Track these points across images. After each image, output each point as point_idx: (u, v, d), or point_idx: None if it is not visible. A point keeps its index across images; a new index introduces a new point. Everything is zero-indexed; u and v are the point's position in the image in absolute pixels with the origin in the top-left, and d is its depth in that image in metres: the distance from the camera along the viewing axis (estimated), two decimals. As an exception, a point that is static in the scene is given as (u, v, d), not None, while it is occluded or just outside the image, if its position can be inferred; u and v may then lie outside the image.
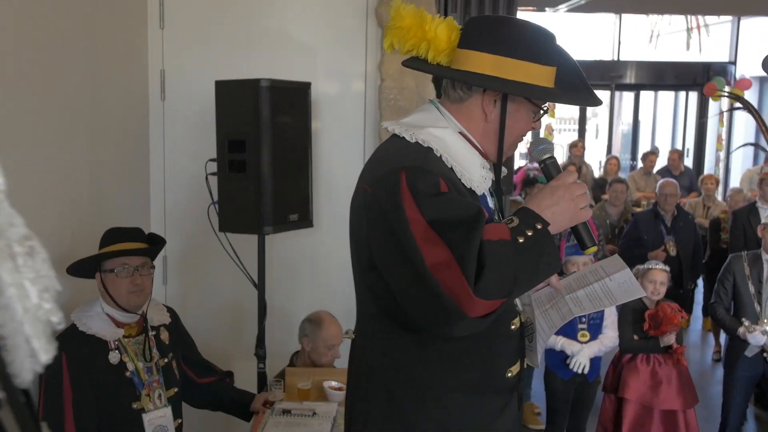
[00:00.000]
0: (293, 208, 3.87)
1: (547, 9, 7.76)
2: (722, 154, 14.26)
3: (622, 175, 10.82)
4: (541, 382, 5.03)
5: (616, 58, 13.13)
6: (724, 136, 14.15)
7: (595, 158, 13.80)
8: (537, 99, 1.92)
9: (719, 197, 9.15)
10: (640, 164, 10.87)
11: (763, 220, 4.97)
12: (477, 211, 1.69)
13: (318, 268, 4.65)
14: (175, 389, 3.09)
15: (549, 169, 1.94)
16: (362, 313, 2.00)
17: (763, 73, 15.48)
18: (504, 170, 2.05)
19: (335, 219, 4.51)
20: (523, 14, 7.46)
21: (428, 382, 1.89)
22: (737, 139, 14.99)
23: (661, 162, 11.05)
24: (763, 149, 9.09)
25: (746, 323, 4.66)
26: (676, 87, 13.84)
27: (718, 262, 6.64)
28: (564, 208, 1.80)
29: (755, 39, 14.42)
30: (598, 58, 13.17)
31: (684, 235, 6.60)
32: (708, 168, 13.92)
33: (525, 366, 2.10)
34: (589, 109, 13.66)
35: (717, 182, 8.44)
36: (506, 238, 1.68)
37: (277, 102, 3.71)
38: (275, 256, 4.48)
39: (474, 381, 1.92)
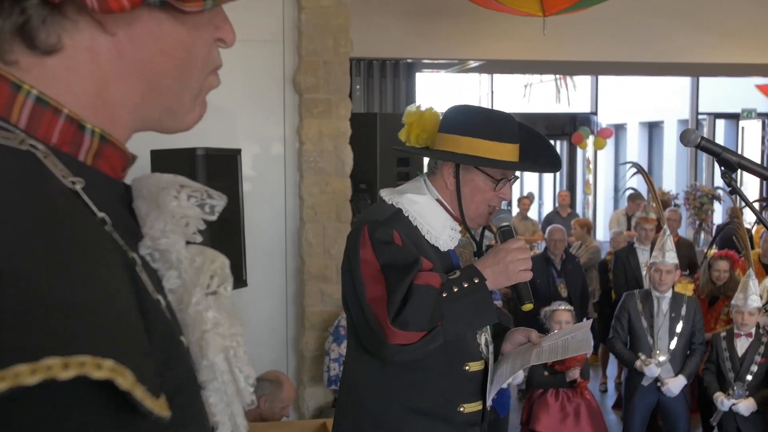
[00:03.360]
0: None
1: (437, 71, 8.24)
2: (590, 198, 15.27)
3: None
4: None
5: (491, 111, 13.88)
6: (591, 181, 15.17)
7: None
8: (476, 165, 2.26)
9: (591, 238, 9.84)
10: (516, 209, 11.48)
11: (650, 260, 5.47)
12: (414, 260, 2.11)
13: (251, 326, 4.76)
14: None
15: (504, 235, 2.27)
16: (348, 340, 2.40)
17: (618, 121, 16.73)
18: (488, 236, 2.44)
19: (264, 278, 4.66)
20: (421, 76, 7.91)
21: (387, 405, 2.25)
22: (600, 184, 16.11)
23: (533, 206, 11.69)
24: (638, 193, 9.86)
25: (642, 357, 5.11)
26: (546, 137, 14.75)
27: (608, 300, 7.20)
28: (502, 268, 2.15)
29: (611, 91, 15.63)
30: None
31: (573, 278, 7.11)
32: (578, 211, 14.83)
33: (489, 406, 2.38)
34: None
35: (588, 225, 9.10)
36: (433, 284, 2.09)
37: (210, 169, 3.87)
38: (206, 318, 4.56)
39: (425, 409, 2.25)
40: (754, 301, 4.96)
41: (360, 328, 2.18)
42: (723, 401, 4.75)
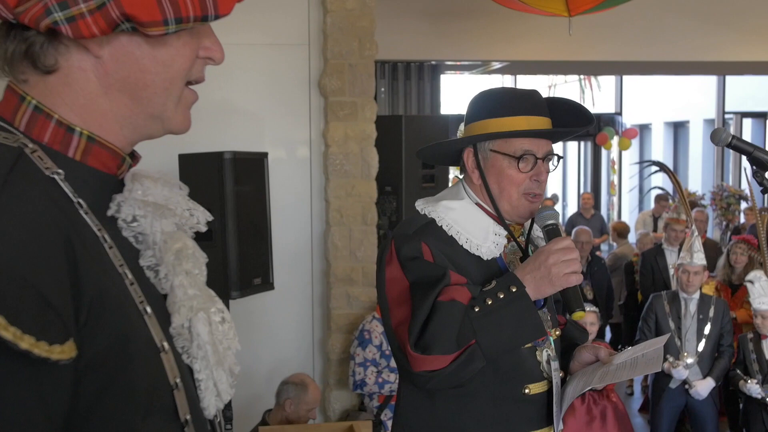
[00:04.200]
0: (256, 273, 4.04)
1: (461, 72, 8.24)
2: (615, 199, 15.16)
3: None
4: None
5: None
6: (616, 182, 15.07)
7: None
8: (482, 141, 2.03)
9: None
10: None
11: (677, 261, 5.43)
12: (441, 275, 1.88)
13: (278, 328, 4.79)
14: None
15: (549, 235, 1.99)
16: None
17: (643, 122, 16.61)
18: (536, 235, 2.15)
19: (291, 281, 4.68)
20: (445, 78, 7.92)
21: None
22: (625, 185, 16.00)
23: (557, 207, 11.66)
24: (667, 193, 9.80)
25: (670, 359, 5.07)
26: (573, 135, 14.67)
27: (634, 302, 7.15)
28: (544, 272, 1.86)
29: (636, 91, 15.53)
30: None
31: (598, 279, 7.08)
32: (603, 212, 14.75)
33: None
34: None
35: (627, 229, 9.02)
36: (458, 300, 1.83)
37: (238, 172, 3.90)
38: (236, 319, 4.60)
39: None
40: (700, 260, 5.04)
41: (394, 355, 1.99)
42: (750, 387, 4.69)
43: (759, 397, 4.70)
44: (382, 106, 6.48)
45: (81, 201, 0.94)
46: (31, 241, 0.84)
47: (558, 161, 2.10)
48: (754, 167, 2.05)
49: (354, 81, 4.76)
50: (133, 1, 0.90)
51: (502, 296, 1.84)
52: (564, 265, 1.86)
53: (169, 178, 1.09)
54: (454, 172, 13.31)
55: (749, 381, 4.70)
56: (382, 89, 6.51)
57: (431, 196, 2.15)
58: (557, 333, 2.14)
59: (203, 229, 1.12)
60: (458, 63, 7.47)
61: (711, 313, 5.15)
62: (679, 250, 5.64)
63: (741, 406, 4.91)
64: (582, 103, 2.19)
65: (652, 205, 10.47)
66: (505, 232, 2.06)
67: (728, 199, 11.60)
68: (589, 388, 2.01)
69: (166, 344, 0.99)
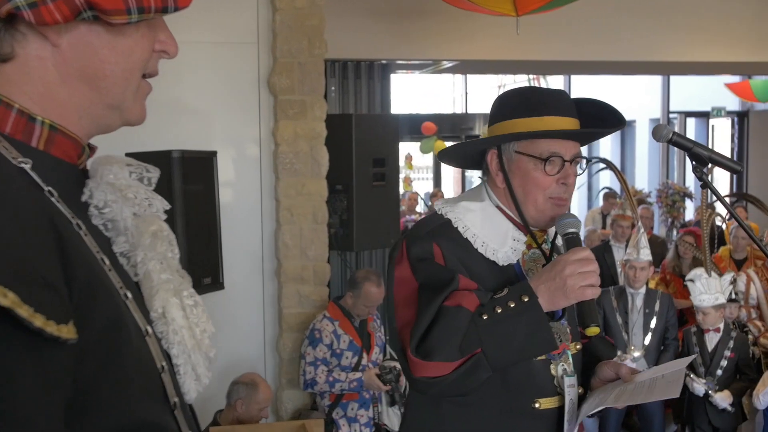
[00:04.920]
0: (206, 272, 4.01)
1: (415, 72, 8.27)
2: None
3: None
4: None
5: (465, 111, 14.00)
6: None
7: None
8: (506, 142, 1.94)
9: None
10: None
11: (624, 257, 5.54)
12: (449, 278, 1.80)
13: (229, 328, 4.75)
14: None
15: (569, 243, 1.89)
16: None
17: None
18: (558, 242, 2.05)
19: (242, 280, 4.66)
20: (396, 77, 7.94)
21: None
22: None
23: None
24: (615, 193, 9.96)
25: (618, 353, 5.16)
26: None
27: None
28: (559, 284, 1.75)
29: (583, 91, 15.76)
30: (450, 112, 14.02)
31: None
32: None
33: None
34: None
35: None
36: (464, 306, 1.75)
37: (187, 171, 3.86)
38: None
39: None
40: (646, 255, 5.17)
41: (396, 356, 1.98)
42: (696, 386, 4.80)
43: (702, 394, 4.81)
44: (333, 105, 6.47)
45: (51, 189, 0.93)
46: (24, 224, 0.84)
47: (586, 164, 2.02)
48: (694, 162, 2.10)
49: (304, 79, 4.75)
50: None
51: (512, 305, 1.74)
52: (580, 278, 1.76)
53: (137, 164, 1.09)
54: (405, 172, 13.37)
55: (694, 379, 4.80)
56: (333, 88, 6.50)
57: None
58: (577, 347, 2.02)
59: (162, 218, 1.10)
60: (409, 62, 7.49)
61: (657, 308, 5.26)
62: (626, 247, 5.75)
63: (686, 400, 5.02)
64: (611, 104, 2.10)
65: (601, 203, 10.63)
66: (524, 238, 1.97)
67: (673, 196, 11.86)
68: (603, 407, 1.90)
69: (149, 328, 1.00)
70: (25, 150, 0.94)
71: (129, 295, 0.98)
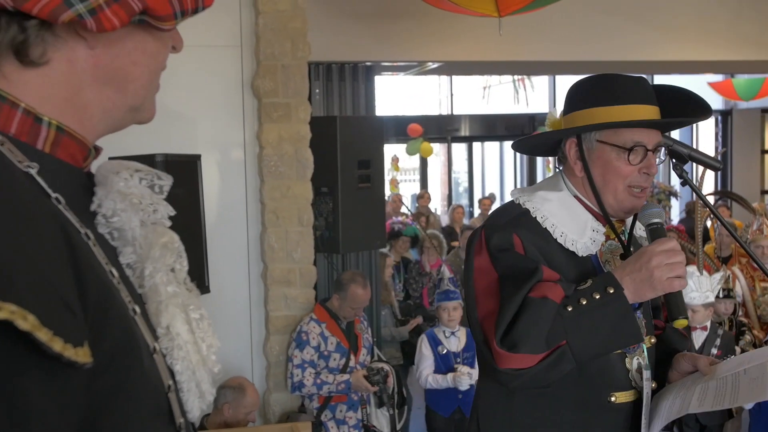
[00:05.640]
0: (191, 277, 3.98)
1: (396, 74, 8.29)
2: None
3: (464, 221, 11.49)
4: (422, 423, 5.30)
5: (451, 113, 14.02)
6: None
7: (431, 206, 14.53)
8: (593, 130, 1.92)
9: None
10: (477, 210, 11.58)
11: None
12: (533, 268, 1.78)
13: (216, 332, 4.74)
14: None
15: (653, 234, 1.88)
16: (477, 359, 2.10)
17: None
18: (639, 234, 2.07)
19: (227, 283, 4.65)
20: (380, 79, 7.94)
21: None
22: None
23: (496, 206, 11.78)
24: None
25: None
26: (504, 137, 14.89)
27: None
28: (646, 275, 1.73)
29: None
30: (436, 113, 14.05)
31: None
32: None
33: None
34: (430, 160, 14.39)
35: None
36: (550, 297, 1.72)
37: (170, 175, 3.85)
38: (169, 325, 4.55)
39: None
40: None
41: (478, 348, 1.88)
42: None
43: None
44: (317, 108, 6.47)
45: (59, 196, 0.88)
46: (39, 238, 0.79)
47: (665, 154, 2.00)
48: (674, 160, 2.12)
49: (287, 82, 4.75)
50: None
51: (597, 297, 1.72)
52: (667, 269, 1.73)
53: (147, 170, 1.04)
54: (392, 173, 13.36)
55: None
56: (317, 91, 6.50)
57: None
58: (652, 341, 2.02)
59: (167, 224, 1.05)
60: (394, 64, 7.50)
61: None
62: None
63: None
64: (694, 92, 2.09)
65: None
66: (603, 229, 1.95)
67: (659, 195, 11.89)
68: (686, 412, 1.85)
69: (156, 345, 0.96)
70: (31, 153, 0.88)
71: (137, 310, 0.94)
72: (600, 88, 1.95)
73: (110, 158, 3.70)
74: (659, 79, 13.83)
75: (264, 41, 4.72)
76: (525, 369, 1.73)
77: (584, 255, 1.90)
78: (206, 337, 1.02)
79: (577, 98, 1.99)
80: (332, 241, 5.21)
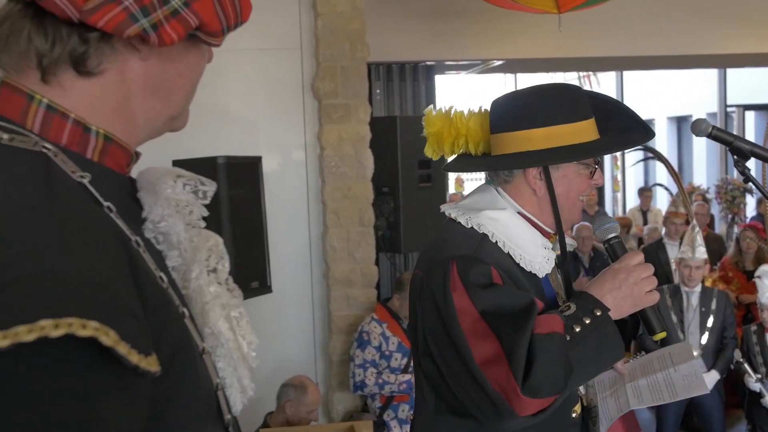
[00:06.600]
0: (253, 276, 4.05)
1: (458, 72, 8.24)
2: (619, 195, 15.13)
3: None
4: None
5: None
6: (619, 178, 15.04)
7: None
8: (570, 160, 1.83)
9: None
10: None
11: (678, 255, 5.41)
12: (529, 302, 1.66)
13: (279, 331, 4.80)
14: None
15: (614, 249, 1.84)
16: (419, 396, 1.92)
17: (645, 117, 16.60)
18: (572, 243, 1.99)
19: (290, 283, 4.70)
20: (440, 78, 7.91)
21: None
22: (629, 180, 15.99)
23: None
24: (667, 189, 9.78)
25: (673, 351, 5.06)
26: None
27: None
28: (626, 292, 1.71)
29: (637, 87, 15.51)
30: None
31: (601, 274, 7.05)
32: (608, 208, 14.72)
33: None
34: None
35: (628, 224, 8.99)
36: (558, 330, 1.64)
37: (232, 177, 3.92)
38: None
39: None
40: (702, 254, 5.04)
41: (465, 393, 1.71)
42: (749, 382, 4.67)
43: (757, 390, 4.68)
44: (379, 108, 6.49)
45: (110, 205, 0.90)
46: (106, 251, 0.81)
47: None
48: (735, 157, 2.05)
49: (346, 83, 4.78)
50: (205, 11, 0.91)
51: (588, 321, 1.66)
52: (645, 283, 1.73)
53: (190, 175, 1.06)
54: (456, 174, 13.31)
55: (750, 376, 4.68)
56: (378, 91, 6.52)
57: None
58: None
59: (202, 225, 1.06)
60: (458, 63, 7.46)
61: (713, 306, 5.13)
62: (680, 244, 5.63)
63: (746, 398, 4.89)
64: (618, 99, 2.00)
65: (657, 200, 10.46)
66: (550, 245, 1.86)
67: (733, 192, 11.54)
68: (628, 410, 1.88)
69: (204, 345, 0.98)
70: (81, 162, 0.91)
71: (186, 312, 0.96)
72: (550, 103, 1.84)
73: (173, 161, 3.77)
74: (733, 73, 13.43)
75: (323, 43, 4.76)
76: (544, 410, 1.64)
77: (542, 275, 1.82)
78: (246, 334, 1.04)
79: (523, 115, 1.84)
80: (394, 241, 5.22)
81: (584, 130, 1.83)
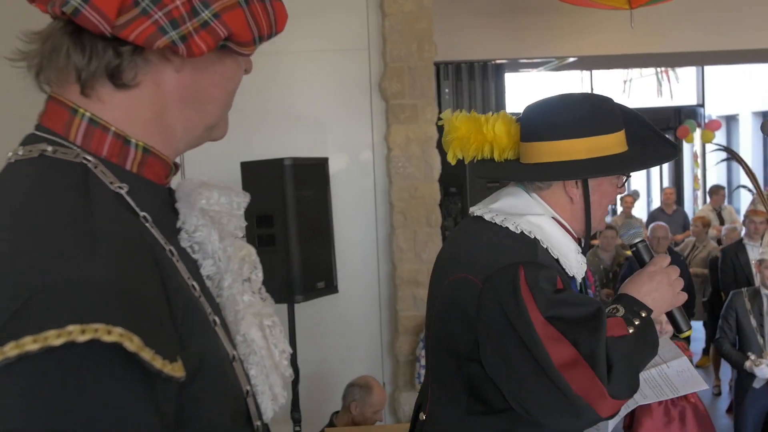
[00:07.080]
0: (319, 277, 4.09)
1: (531, 70, 8.15)
2: (699, 193, 14.69)
3: (606, 218, 11.11)
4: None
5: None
6: (699, 175, 14.61)
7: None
8: (619, 173, 1.90)
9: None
10: (619, 208, 11.19)
11: (758, 257, 5.22)
12: (597, 307, 1.70)
13: (345, 331, 4.84)
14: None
15: (641, 253, 1.91)
16: (442, 396, 1.91)
17: (729, 113, 16.10)
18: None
19: (357, 284, 4.72)
20: (510, 76, 7.83)
21: None
22: (710, 179, 15.50)
23: (640, 204, 11.34)
24: (750, 190, 9.46)
25: (752, 357, 4.88)
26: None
27: (718, 299, 6.91)
28: (664, 293, 1.80)
29: (718, 82, 15.02)
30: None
31: (678, 276, 6.85)
32: (687, 207, 14.31)
33: None
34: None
35: (707, 224, 8.69)
36: (625, 333, 1.71)
37: (299, 178, 3.96)
38: (303, 323, 4.67)
39: None
40: None
41: (535, 398, 1.70)
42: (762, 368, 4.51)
43: None
44: (447, 107, 6.44)
45: (146, 215, 0.94)
46: (135, 259, 0.85)
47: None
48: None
49: (414, 83, 4.77)
50: (235, 22, 0.93)
51: (637, 323, 1.73)
52: (677, 284, 1.83)
53: (223, 187, 1.08)
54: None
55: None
56: (446, 90, 6.50)
57: (486, 199, 1.90)
58: None
59: (240, 235, 1.09)
60: (531, 60, 7.38)
61: (795, 309, 4.94)
62: (761, 244, 5.43)
63: None
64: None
65: (741, 200, 10.12)
66: (579, 249, 1.88)
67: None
68: (635, 407, 1.92)
69: (235, 353, 1.00)
70: (120, 173, 0.94)
71: (217, 320, 0.98)
72: (586, 115, 1.86)
73: (242, 163, 3.83)
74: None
75: (390, 43, 4.76)
76: (620, 409, 1.73)
77: (579, 279, 1.88)
78: (278, 343, 1.07)
79: (562, 124, 1.85)
80: (461, 242, 5.18)
81: (620, 142, 1.89)
